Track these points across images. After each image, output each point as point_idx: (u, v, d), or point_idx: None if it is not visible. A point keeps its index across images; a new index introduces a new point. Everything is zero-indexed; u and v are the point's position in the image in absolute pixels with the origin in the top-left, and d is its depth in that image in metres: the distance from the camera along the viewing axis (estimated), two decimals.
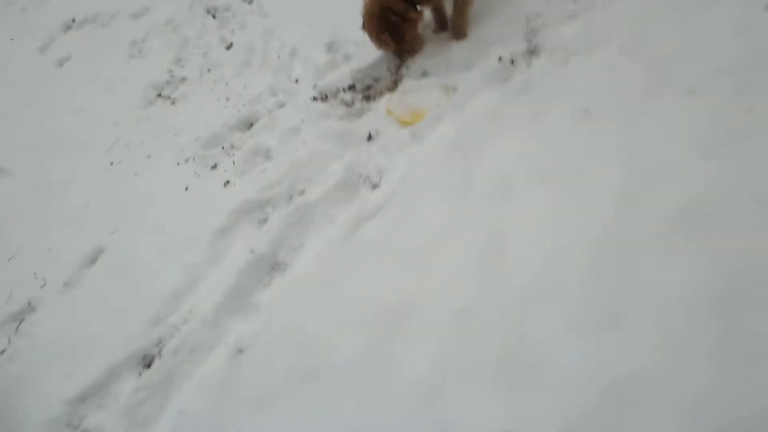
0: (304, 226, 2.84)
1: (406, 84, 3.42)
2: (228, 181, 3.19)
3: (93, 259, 3.18)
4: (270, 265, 2.76)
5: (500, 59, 3.28)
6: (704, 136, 2.57)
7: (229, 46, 4.40)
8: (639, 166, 2.55)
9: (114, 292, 2.93)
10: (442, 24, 3.62)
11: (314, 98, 3.53)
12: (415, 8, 3.27)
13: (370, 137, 3.20)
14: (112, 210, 3.38)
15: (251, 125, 3.59)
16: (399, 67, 3.59)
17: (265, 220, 2.95)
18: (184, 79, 4.21)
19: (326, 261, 2.66)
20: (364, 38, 3.78)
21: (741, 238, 2.18)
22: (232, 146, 3.43)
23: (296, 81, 3.80)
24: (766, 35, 2.86)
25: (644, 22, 3.18)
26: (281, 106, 3.64)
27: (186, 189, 3.25)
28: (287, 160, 3.14)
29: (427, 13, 3.58)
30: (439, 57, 3.47)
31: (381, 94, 3.52)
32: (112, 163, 3.63)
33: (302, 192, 3.02)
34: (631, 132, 2.71)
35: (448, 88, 3.28)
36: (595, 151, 2.69)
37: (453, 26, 3.49)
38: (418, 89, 3.31)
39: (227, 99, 3.83)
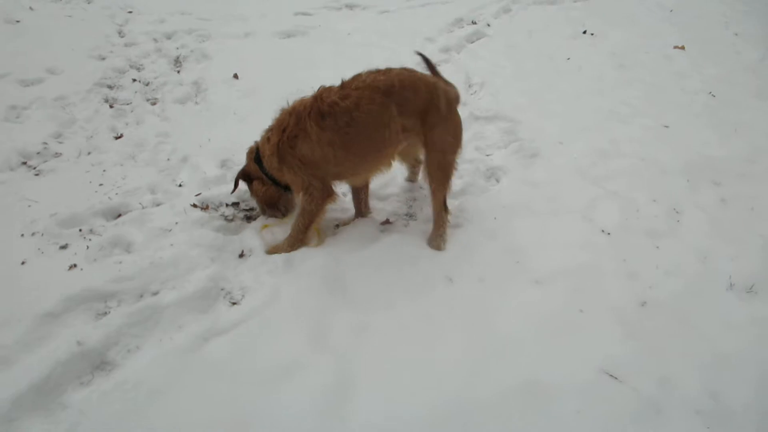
0: (146, 328, 2.61)
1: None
2: (74, 265, 2.91)
3: None
4: (95, 363, 2.45)
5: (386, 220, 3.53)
6: (545, 323, 2.87)
7: (119, 137, 4.29)
8: (488, 337, 2.76)
9: None
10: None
11: (194, 205, 3.48)
12: (263, 180, 3.32)
13: (242, 255, 3.16)
14: None
15: (118, 216, 3.40)
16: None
17: (105, 314, 2.68)
18: (58, 155, 3.97)
19: (161, 370, 2.43)
20: None
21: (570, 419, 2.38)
22: (91, 231, 3.19)
23: (180, 185, 3.74)
24: (598, 256, 3.38)
25: (507, 216, 3.64)
26: (157, 204, 3.53)
27: (22, 263, 2.90)
28: (148, 257, 2.97)
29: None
30: None
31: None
32: None
33: (155, 293, 2.82)
34: (485, 305, 2.95)
35: (320, 229, 3.39)
36: (452, 316, 2.86)
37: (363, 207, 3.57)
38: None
39: (100, 185, 3.64)
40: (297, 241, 3.21)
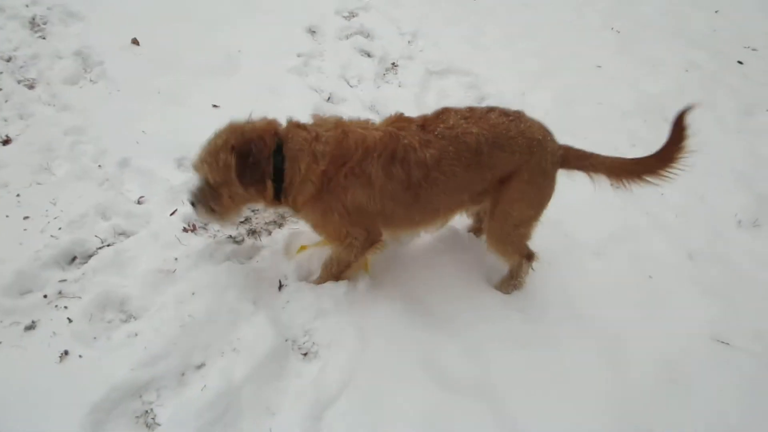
0: (229, 426, 1.89)
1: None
2: (66, 353, 2.00)
3: None
4: None
5: None
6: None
7: (6, 141, 3.08)
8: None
9: None
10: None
11: (185, 229, 2.62)
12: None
13: (281, 286, 2.46)
14: None
15: (74, 259, 2.44)
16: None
17: (146, 414, 1.88)
18: None
19: None
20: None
21: None
22: (60, 293, 2.22)
23: (139, 202, 2.80)
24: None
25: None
26: (123, 234, 2.60)
27: None
28: (172, 318, 2.15)
29: None
30: None
31: (265, 228, 2.82)
32: None
33: (201, 366, 2.07)
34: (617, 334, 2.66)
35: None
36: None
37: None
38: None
39: (25, 218, 2.57)
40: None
